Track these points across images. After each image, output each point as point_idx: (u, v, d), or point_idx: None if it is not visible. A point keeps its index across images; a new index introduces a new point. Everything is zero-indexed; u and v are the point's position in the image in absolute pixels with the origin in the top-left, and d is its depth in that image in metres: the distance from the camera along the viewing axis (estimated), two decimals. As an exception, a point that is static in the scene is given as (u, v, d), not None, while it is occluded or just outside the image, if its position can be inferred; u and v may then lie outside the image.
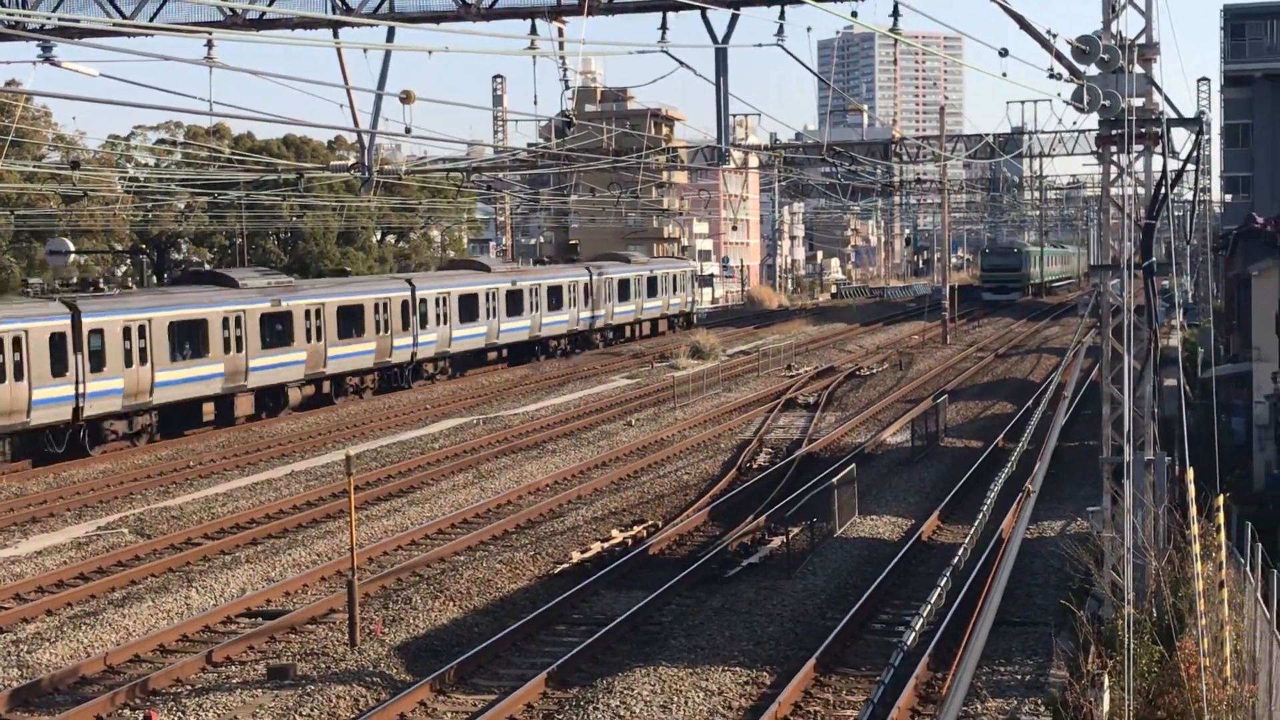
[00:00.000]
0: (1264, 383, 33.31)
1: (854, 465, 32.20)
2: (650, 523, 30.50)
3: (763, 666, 20.62)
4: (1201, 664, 16.50)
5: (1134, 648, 16.82)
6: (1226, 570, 18.29)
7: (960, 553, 25.56)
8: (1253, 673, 17.57)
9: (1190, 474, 18.36)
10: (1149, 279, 21.15)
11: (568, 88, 34.13)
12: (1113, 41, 20.28)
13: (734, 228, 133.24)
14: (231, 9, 25.78)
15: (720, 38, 29.48)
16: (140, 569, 26.72)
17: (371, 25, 24.56)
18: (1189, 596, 18.18)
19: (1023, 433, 38.44)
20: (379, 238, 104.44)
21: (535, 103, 49.99)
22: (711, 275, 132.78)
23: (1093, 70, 20.31)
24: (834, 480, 29.79)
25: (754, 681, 20.05)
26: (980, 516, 28.15)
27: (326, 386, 51.04)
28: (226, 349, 44.83)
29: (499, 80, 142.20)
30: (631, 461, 38.40)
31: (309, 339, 48.90)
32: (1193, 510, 17.96)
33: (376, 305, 52.94)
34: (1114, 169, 21.31)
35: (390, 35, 28.89)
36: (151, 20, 26.23)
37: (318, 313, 49.51)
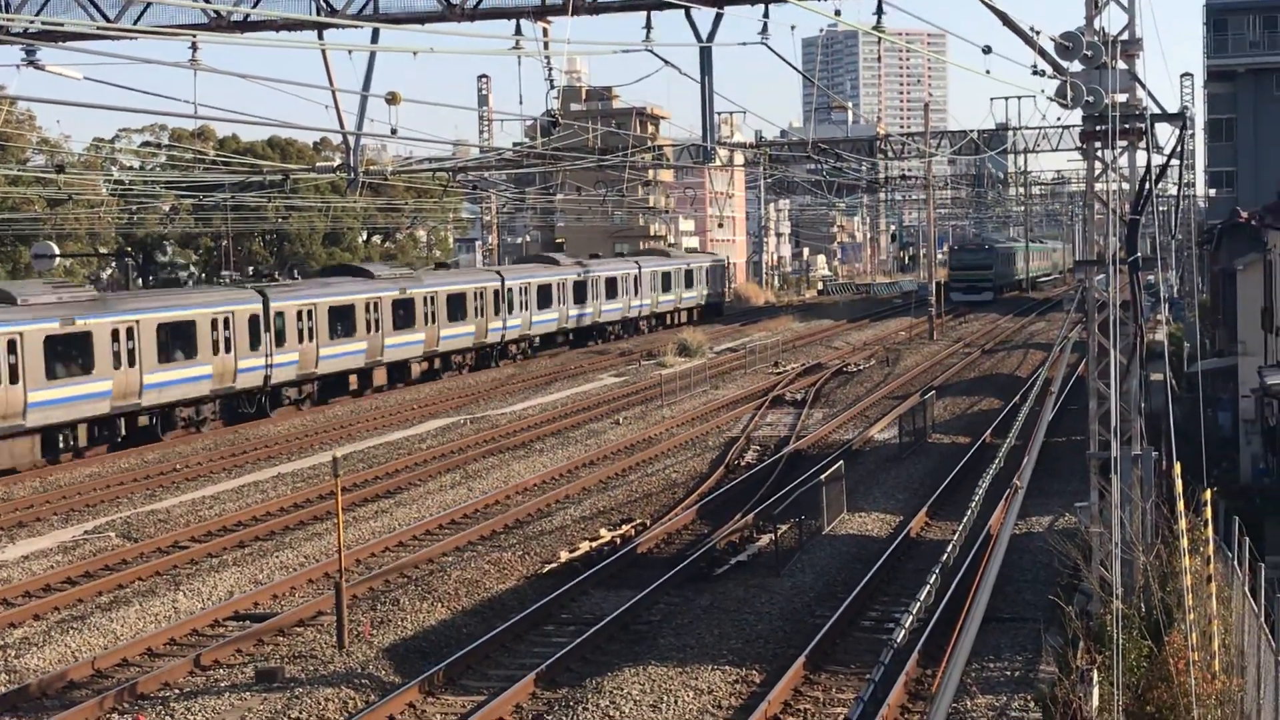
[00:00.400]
0: (1250, 377, 33.39)
1: (842, 462, 32.23)
2: (638, 521, 30.51)
3: (752, 665, 20.63)
4: (1190, 658, 16.54)
5: (1122, 643, 16.84)
6: (1214, 564, 18.33)
7: (949, 549, 25.58)
8: (1240, 666, 17.60)
9: (1177, 468, 18.39)
10: (1134, 274, 21.18)
11: (553, 87, 34.07)
12: (1096, 38, 20.31)
13: (720, 225, 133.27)
14: (216, 11, 25.73)
15: (705, 36, 29.47)
16: (128, 573, 26.66)
17: (356, 27, 24.52)
18: (1177, 591, 18.21)
19: (1010, 428, 38.47)
20: (365, 238, 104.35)
21: (520, 102, 50.01)
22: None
23: (1076, 66, 20.34)
24: (822, 477, 29.82)
25: (743, 680, 20.06)
26: (969, 513, 28.17)
27: (438, 363, 60.03)
28: (368, 330, 53.37)
29: (484, 80, 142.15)
30: (619, 460, 38.39)
31: (427, 322, 57.58)
32: (1180, 505, 18.00)
33: (476, 293, 61.86)
34: (1098, 165, 21.35)
35: (375, 36, 28.84)
36: (136, 23, 26.16)
37: (433, 299, 58.06)
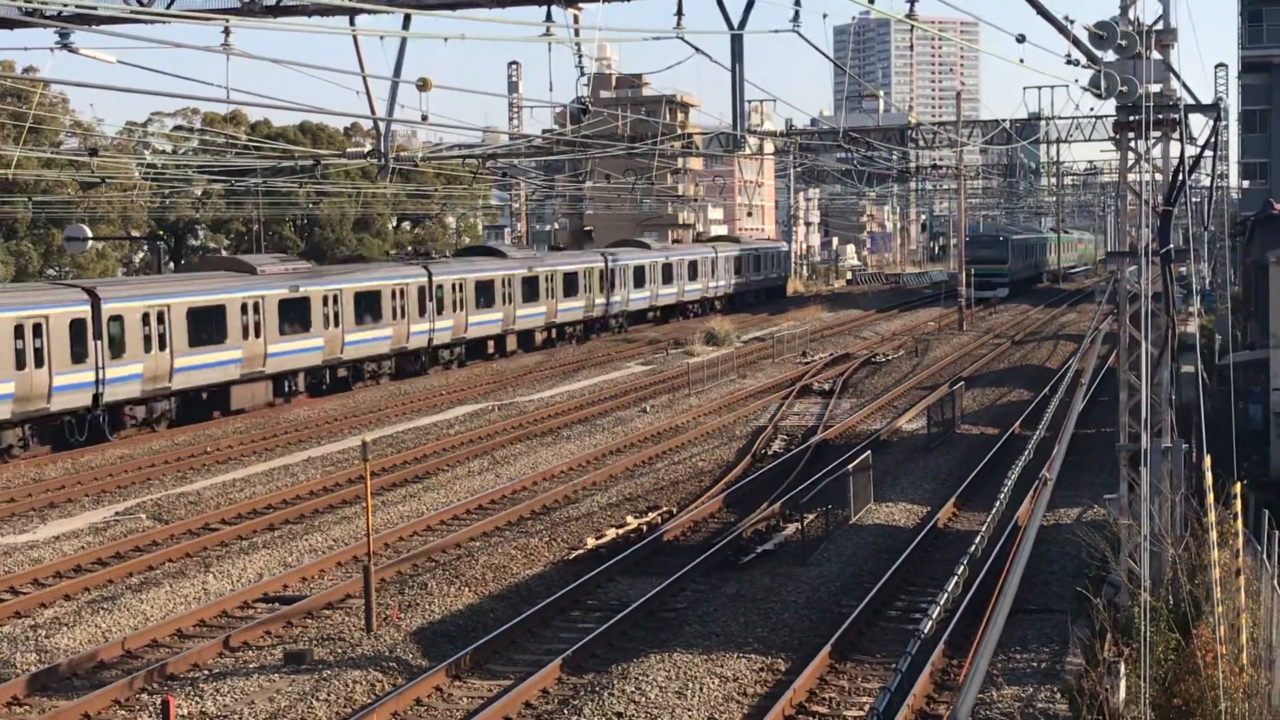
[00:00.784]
0: (1281, 370, 33.22)
1: (869, 452, 32.19)
2: (665, 509, 30.53)
3: (778, 653, 20.64)
4: (1218, 651, 16.48)
5: (1150, 635, 16.80)
6: (1243, 557, 18.25)
7: (977, 540, 25.55)
8: (1269, 660, 17.54)
9: (1207, 461, 18.33)
10: (1166, 266, 21.10)
11: (583, 74, 34.07)
12: (1130, 27, 20.21)
13: (749, 214, 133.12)
14: (248, -5, 25.78)
15: (736, 24, 29.43)
16: (158, 554, 26.82)
17: (388, 12, 24.53)
18: (1205, 584, 18.16)
19: (1039, 420, 38.42)
20: (394, 224, 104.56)
21: (550, 89, 49.88)
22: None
23: (1110, 56, 20.25)
24: (849, 467, 29.78)
25: (769, 668, 20.07)
26: (997, 504, 28.13)
27: (554, 333, 68.27)
28: (504, 301, 61.73)
29: (514, 67, 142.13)
30: (646, 448, 38.42)
31: (548, 296, 66.02)
32: (1209, 497, 17.94)
33: (585, 273, 69.95)
34: (1131, 155, 21.26)
35: (406, 22, 28.87)
36: (169, 7, 26.25)
37: (552, 277, 66.49)
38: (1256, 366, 37.40)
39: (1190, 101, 21.85)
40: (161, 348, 41.55)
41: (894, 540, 27.46)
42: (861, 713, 18.41)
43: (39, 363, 37.07)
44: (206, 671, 20.19)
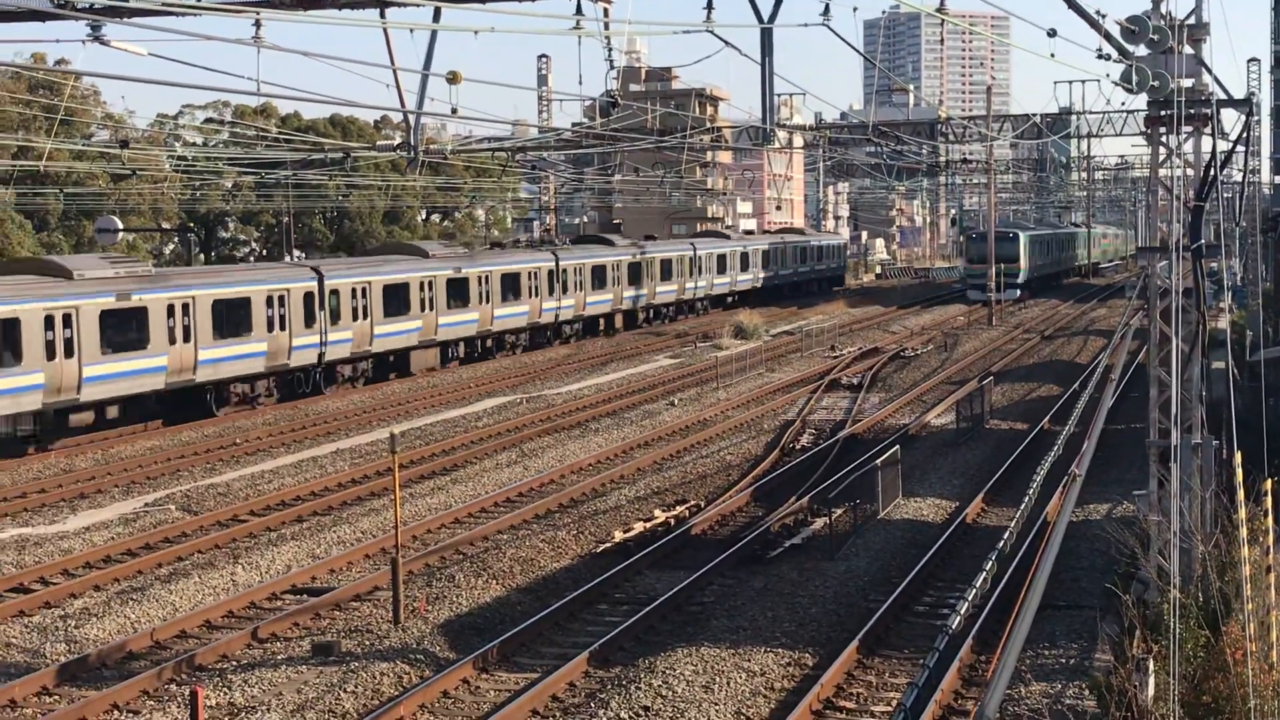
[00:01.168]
0: (1313, 366, 33.03)
1: (898, 447, 32.12)
2: (693, 503, 30.52)
3: (805, 648, 20.62)
4: (1248, 649, 16.40)
5: (1179, 632, 16.72)
6: (1274, 554, 18.15)
7: (1006, 536, 25.46)
8: (1299, 658, 17.44)
9: (1238, 457, 18.23)
10: (1197, 261, 20.99)
11: (613, 67, 34.07)
12: (1162, 22, 20.10)
13: (778, 208, 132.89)
14: (278, -12, 25.84)
15: (766, 17, 29.37)
16: (187, 545, 26.93)
17: (418, 5, 24.55)
18: (1235, 581, 18.07)
19: (1069, 415, 38.18)
20: (424, 217, 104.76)
21: (580, 82, 49.81)
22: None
23: (1142, 51, 20.14)
24: (878, 462, 29.73)
25: (796, 663, 20.05)
26: (1026, 500, 28.02)
27: (653, 312, 75.77)
28: (614, 284, 69.48)
29: (544, 60, 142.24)
30: (674, 441, 38.41)
31: (649, 280, 73.34)
32: (1240, 494, 17.84)
33: (678, 260, 77.15)
34: (1163, 150, 21.15)
35: (436, 16, 28.87)
36: (200, 0, 26.33)
37: (652, 264, 73.23)
38: (1288, 363, 37.17)
39: (1222, 96, 21.71)
40: (365, 317, 49.43)
41: (922, 535, 27.40)
42: (889, 708, 18.38)
43: (283, 326, 45.40)
44: (234, 663, 20.27)
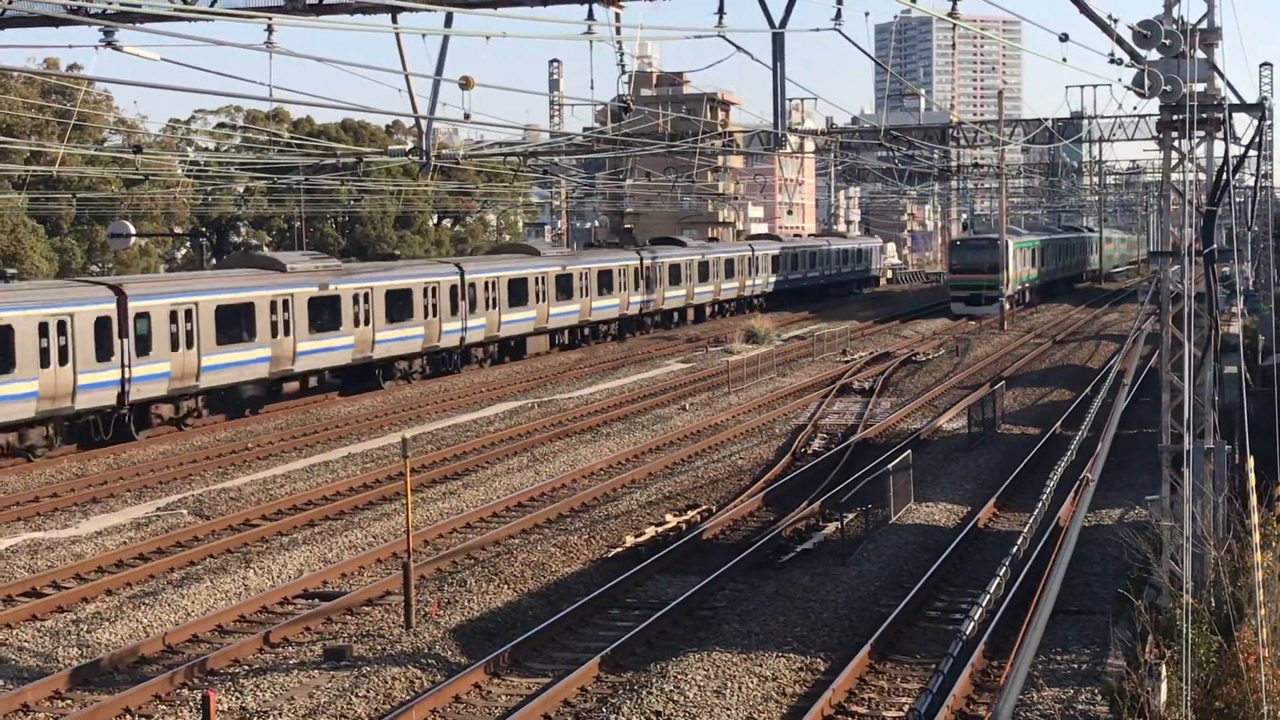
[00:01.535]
0: (1326, 371, 32.93)
1: (909, 451, 32.09)
2: (704, 507, 30.51)
3: (817, 653, 20.60)
4: (1261, 654, 16.37)
5: (1192, 637, 16.69)
6: (1287, 560, 18.13)
7: (1020, 541, 25.42)
8: (1313, 664, 17.40)
9: (1250, 462, 18.20)
10: (1210, 266, 20.96)
11: (624, 72, 34.06)
12: (1174, 26, 20.09)
13: (789, 212, 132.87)
14: (291, -6, 25.90)
15: (777, 22, 29.38)
16: (199, 550, 26.96)
17: (430, 10, 24.60)
18: (1248, 586, 18.03)
19: (1081, 420, 38.13)
20: (435, 222, 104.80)
21: (592, 87, 49.86)
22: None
23: (1154, 55, 20.13)
24: (889, 466, 29.70)
25: (808, 668, 20.04)
26: (1040, 504, 27.96)
27: (718, 306, 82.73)
28: (687, 281, 76.56)
29: (556, 65, 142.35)
30: (686, 446, 38.41)
31: (714, 278, 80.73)
32: (1253, 499, 17.81)
33: (734, 260, 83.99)
34: (1175, 155, 21.13)
35: (449, 20, 28.94)
36: (213, 5, 26.40)
37: (717, 263, 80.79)
38: (1301, 367, 37.06)
39: (1234, 101, 21.69)
40: (495, 307, 56.77)
41: (934, 540, 27.37)
42: (901, 713, 18.36)
43: (435, 314, 52.73)
44: (246, 667, 20.29)
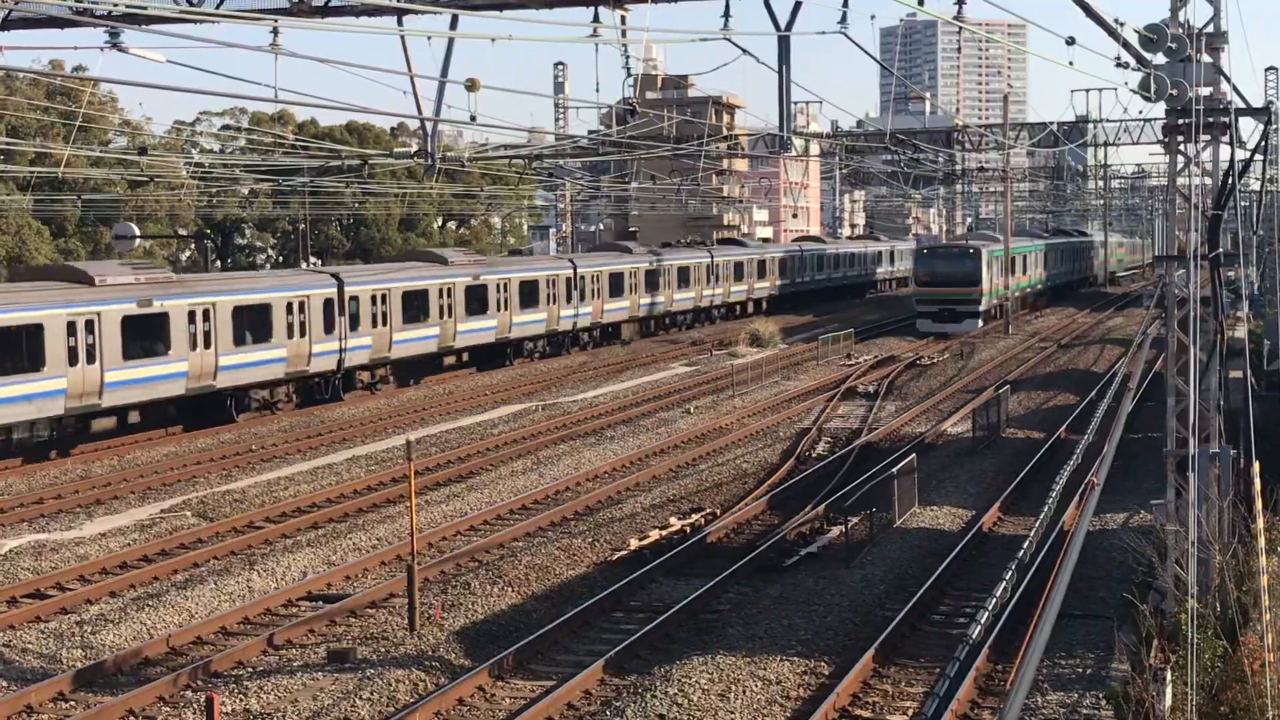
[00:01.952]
0: (1331, 375, 32.89)
1: (914, 455, 32.06)
2: (708, 511, 30.49)
3: (821, 656, 20.58)
4: (1266, 659, 16.34)
5: (1197, 642, 16.67)
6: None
7: (1025, 545, 25.41)
8: (1318, 669, 17.36)
9: (1256, 467, 18.17)
10: (1215, 270, 20.93)
11: (629, 75, 34.06)
12: (1180, 30, 20.06)
13: (794, 215, 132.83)
14: (296, -4, 25.92)
15: (783, 25, 29.38)
16: (202, 551, 26.96)
17: (435, 12, 24.61)
18: (1253, 591, 18.01)
19: (1086, 424, 38.13)
20: (440, 224, 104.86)
21: (597, 90, 49.98)
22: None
23: (1160, 59, 20.09)
24: (894, 470, 29.68)
25: (812, 671, 20.01)
26: (1046, 509, 27.96)
27: (761, 304, 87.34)
28: (745, 278, 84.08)
29: (561, 67, 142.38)
30: (690, 449, 38.39)
31: (758, 277, 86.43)
32: (1258, 504, 17.78)
33: (785, 258, 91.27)
34: (1180, 159, 21.10)
35: (454, 23, 28.96)
36: (218, 7, 26.42)
37: (765, 262, 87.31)
38: (1306, 372, 37.03)
39: (1240, 105, 21.67)
40: (599, 297, 65.36)
41: (938, 544, 27.34)
42: (905, 717, 18.33)
43: (553, 301, 60.92)
44: (250, 669, 20.29)
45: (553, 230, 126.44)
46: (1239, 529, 20.39)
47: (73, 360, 36.68)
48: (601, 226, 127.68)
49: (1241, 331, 51.14)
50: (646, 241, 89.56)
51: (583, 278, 63.73)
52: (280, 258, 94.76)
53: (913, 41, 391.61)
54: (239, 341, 42.31)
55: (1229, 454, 21.22)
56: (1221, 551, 19.69)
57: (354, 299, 46.59)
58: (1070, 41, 24.74)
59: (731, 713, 18.26)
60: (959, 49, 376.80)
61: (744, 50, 28.89)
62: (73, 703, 19.18)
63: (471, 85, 24.00)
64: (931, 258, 77.31)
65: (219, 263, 76.91)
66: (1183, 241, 20.95)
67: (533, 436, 40.38)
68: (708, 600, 23.51)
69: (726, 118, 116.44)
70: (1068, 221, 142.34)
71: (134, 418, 40.77)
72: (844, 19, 27.77)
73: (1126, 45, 20.85)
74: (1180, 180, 21.09)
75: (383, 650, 20.96)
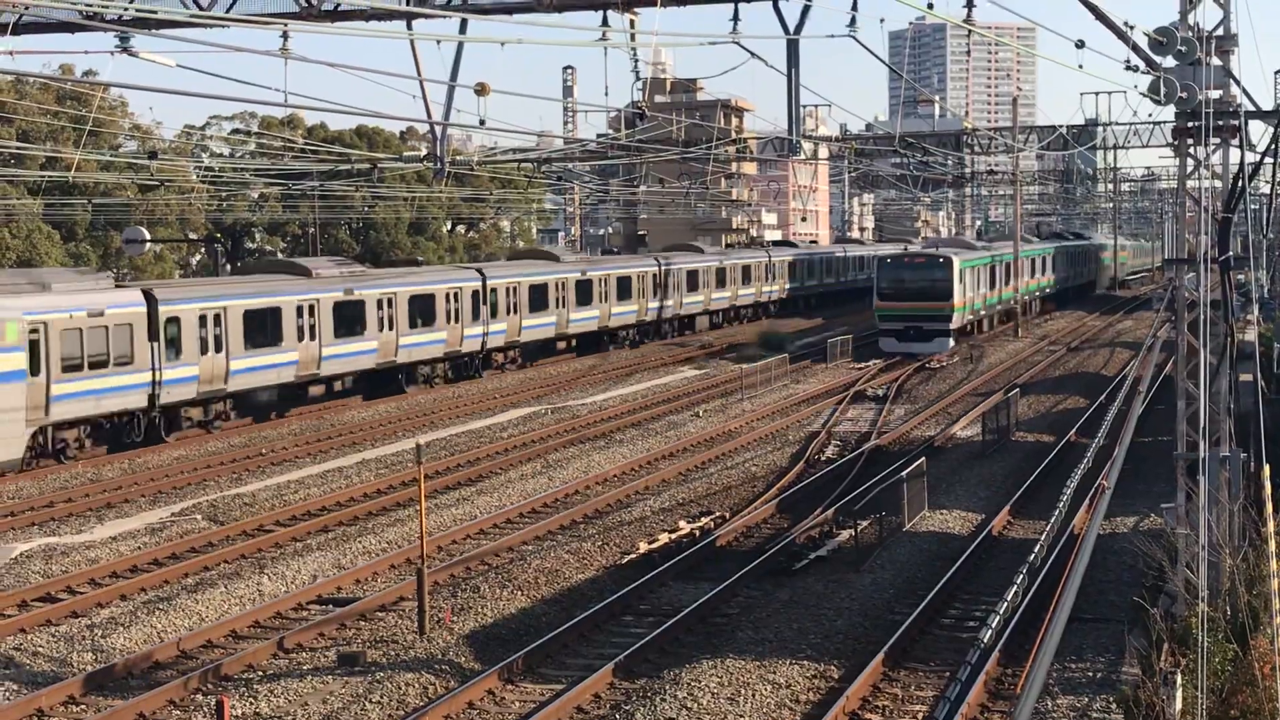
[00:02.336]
0: (1342, 379, 32.84)
1: (923, 458, 32.05)
2: (718, 514, 30.49)
3: (830, 660, 20.58)
4: (1276, 663, 16.32)
5: (1207, 646, 16.65)
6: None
7: (1036, 549, 25.38)
8: (1329, 673, 17.33)
9: (1266, 470, 18.16)
10: (1225, 273, 20.91)
11: (639, 79, 34.04)
12: (1190, 33, 20.05)
13: (803, 219, 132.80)
14: (307, 0, 25.94)
15: (792, 28, 29.34)
16: (213, 555, 27.00)
17: (445, 17, 24.63)
18: (1264, 594, 17.98)
19: (1096, 428, 38.11)
20: (449, 228, 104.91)
21: (606, 94, 50.01)
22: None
23: (1170, 62, 20.09)
24: (903, 473, 29.66)
25: (822, 675, 20.01)
26: (1056, 513, 27.92)
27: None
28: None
29: (570, 71, 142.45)
30: (699, 453, 38.39)
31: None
32: (1268, 507, 17.76)
33: (840, 259, 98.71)
34: (1190, 162, 21.09)
35: (463, 27, 28.93)
36: (228, 11, 26.45)
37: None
38: (1316, 375, 36.98)
39: (1250, 108, 21.64)
40: (679, 292, 72.50)
41: (948, 548, 27.32)
42: (914, 721, 18.32)
43: (653, 295, 68.64)
44: (261, 672, 20.31)
45: (561, 234, 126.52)
46: (1249, 532, 20.38)
47: (300, 337, 44.50)
48: (610, 230, 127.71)
49: (1252, 335, 51.08)
50: (653, 244, 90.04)
51: (666, 274, 71.15)
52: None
53: (922, 45, 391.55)
54: (412, 325, 50.32)
55: (1239, 457, 21.21)
56: (1232, 555, 19.68)
57: (493, 291, 54.71)
58: (1080, 44, 24.68)
59: (741, 716, 18.26)
60: (968, 52, 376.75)
61: (753, 54, 28.83)
62: (84, 706, 19.22)
63: (481, 90, 24.03)
64: (895, 268, 66.08)
65: (228, 268, 76.99)
66: (1193, 244, 20.94)
67: (542, 440, 40.41)
68: (717, 604, 23.51)
69: (735, 121, 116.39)
70: (1077, 224, 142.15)
71: (337, 386, 48.30)
72: (853, 22, 27.71)
73: (1136, 48, 20.84)
74: (1190, 183, 21.09)
75: (392, 653, 20.98)
